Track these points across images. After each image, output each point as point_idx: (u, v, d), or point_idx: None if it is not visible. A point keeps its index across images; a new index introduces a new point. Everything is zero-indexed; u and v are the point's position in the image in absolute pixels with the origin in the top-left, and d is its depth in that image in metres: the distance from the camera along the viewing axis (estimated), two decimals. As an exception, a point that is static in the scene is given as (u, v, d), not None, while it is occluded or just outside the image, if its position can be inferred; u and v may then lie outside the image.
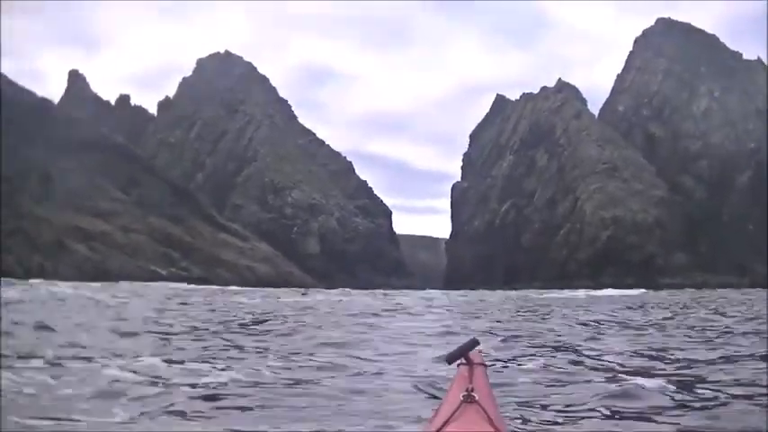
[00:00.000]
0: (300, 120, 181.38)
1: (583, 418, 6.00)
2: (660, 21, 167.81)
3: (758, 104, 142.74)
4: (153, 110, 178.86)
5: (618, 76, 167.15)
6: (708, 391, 7.08)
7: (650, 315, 22.95)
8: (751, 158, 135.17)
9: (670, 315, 22.88)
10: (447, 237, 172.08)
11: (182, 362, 9.07)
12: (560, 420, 5.92)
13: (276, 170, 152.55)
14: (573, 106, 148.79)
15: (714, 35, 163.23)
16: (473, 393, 3.17)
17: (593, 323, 18.33)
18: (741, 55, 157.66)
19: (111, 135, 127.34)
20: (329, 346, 11.82)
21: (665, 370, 8.95)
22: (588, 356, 10.45)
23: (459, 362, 3.63)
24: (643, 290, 70.86)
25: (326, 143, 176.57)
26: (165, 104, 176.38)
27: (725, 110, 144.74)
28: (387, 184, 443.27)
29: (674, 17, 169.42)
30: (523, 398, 6.85)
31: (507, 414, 5.79)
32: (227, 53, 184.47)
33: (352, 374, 8.59)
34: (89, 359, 9.19)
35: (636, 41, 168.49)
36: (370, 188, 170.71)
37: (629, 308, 28.82)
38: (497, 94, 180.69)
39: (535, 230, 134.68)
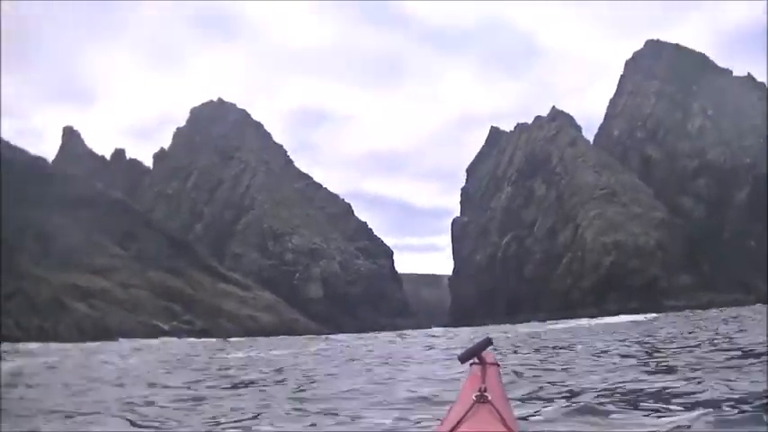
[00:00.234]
0: (297, 163, 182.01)
1: None
2: (649, 42, 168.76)
3: (752, 120, 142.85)
4: (149, 162, 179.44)
5: (610, 100, 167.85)
6: None
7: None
8: (748, 174, 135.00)
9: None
10: (449, 273, 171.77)
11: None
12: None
13: (274, 216, 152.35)
14: (568, 134, 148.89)
15: (703, 53, 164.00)
16: (486, 393, 3.23)
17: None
18: (731, 72, 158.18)
19: (107, 190, 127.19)
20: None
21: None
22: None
23: (471, 361, 3.76)
24: (653, 314, 69.97)
25: (324, 186, 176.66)
26: (160, 156, 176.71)
27: (719, 128, 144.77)
28: (387, 223, 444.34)
29: (663, 38, 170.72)
30: None
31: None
32: (221, 101, 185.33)
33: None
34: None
35: (626, 64, 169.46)
36: (370, 229, 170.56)
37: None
38: (492, 126, 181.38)
39: (537, 261, 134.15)
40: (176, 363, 25.55)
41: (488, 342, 3.84)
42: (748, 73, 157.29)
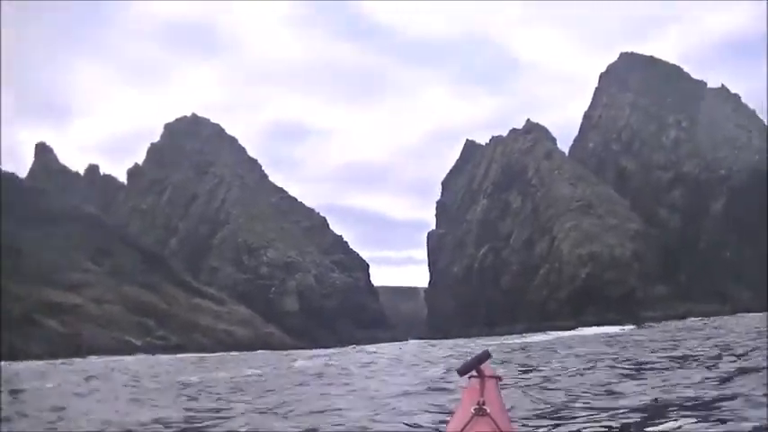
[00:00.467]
0: (273, 177, 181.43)
1: None
2: (624, 55, 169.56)
3: (725, 132, 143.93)
4: (123, 178, 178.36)
5: (585, 113, 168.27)
6: None
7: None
8: (723, 185, 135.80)
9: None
10: (426, 286, 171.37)
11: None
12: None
13: (249, 230, 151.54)
14: (543, 146, 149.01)
15: (677, 66, 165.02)
16: (484, 406, 3.25)
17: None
18: (705, 84, 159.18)
19: (81, 205, 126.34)
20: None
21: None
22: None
23: (470, 374, 3.73)
24: (631, 326, 69.52)
25: (299, 200, 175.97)
26: (134, 171, 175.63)
27: (693, 139, 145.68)
28: (364, 236, 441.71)
29: (637, 50, 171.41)
30: None
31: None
32: (195, 116, 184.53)
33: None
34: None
35: (601, 77, 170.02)
36: (346, 242, 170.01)
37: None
38: (467, 139, 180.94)
39: (513, 272, 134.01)
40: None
41: (487, 355, 3.82)
42: (722, 84, 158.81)
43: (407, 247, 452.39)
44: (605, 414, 8.99)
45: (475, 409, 3.19)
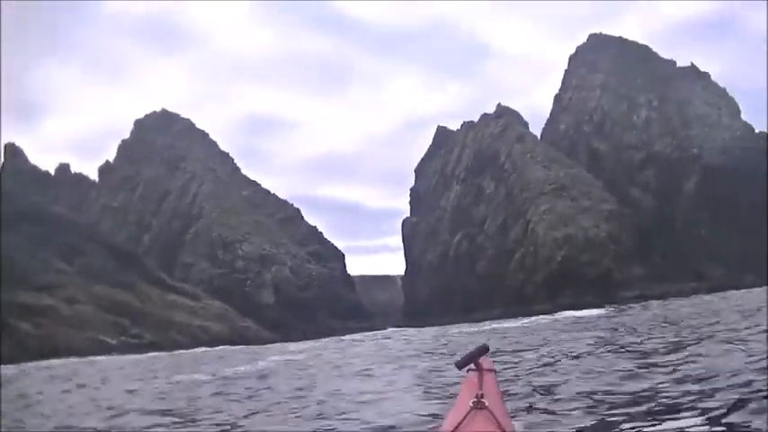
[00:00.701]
0: (246, 171, 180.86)
1: None
2: (592, 36, 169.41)
3: (696, 110, 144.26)
4: (94, 176, 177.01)
5: (556, 95, 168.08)
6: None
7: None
8: (695, 164, 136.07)
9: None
10: (402, 273, 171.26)
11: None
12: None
13: (223, 224, 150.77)
14: (515, 130, 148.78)
15: (646, 45, 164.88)
16: (483, 400, 3.27)
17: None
18: (675, 63, 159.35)
19: (50, 205, 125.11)
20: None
21: None
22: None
23: (468, 368, 3.74)
24: (612, 307, 68.62)
25: (272, 192, 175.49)
26: (105, 169, 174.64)
27: (664, 118, 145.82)
28: (338, 227, 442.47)
29: (606, 32, 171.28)
30: None
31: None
32: (165, 111, 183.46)
33: None
34: None
35: (570, 59, 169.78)
36: (320, 233, 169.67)
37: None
38: (438, 126, 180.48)
39: (489, 257, 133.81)
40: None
41: (485, 349, 3.83)
42: (692, 63, 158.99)
43: (382, 236, 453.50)
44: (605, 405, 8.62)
45: (473, 403, 3.18)
